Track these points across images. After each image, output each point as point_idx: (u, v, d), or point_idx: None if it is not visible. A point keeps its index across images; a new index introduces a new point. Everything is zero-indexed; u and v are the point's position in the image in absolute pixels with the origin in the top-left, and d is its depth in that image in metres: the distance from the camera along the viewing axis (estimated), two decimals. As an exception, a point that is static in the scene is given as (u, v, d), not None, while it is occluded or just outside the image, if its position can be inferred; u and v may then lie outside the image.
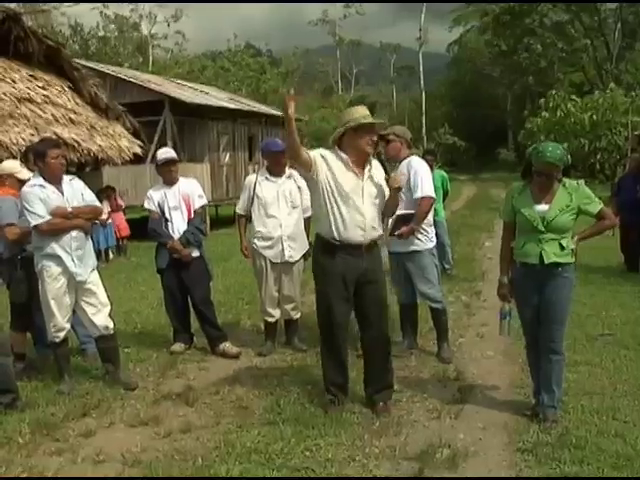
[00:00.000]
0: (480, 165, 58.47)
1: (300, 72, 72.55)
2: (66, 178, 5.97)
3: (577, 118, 28.38)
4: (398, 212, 6.20)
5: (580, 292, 7.92)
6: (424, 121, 61.88)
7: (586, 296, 9.11)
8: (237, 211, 7.44)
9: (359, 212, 5.19)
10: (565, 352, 5.23)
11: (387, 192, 5.33)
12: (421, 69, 65.53)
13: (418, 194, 6.42)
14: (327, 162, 5.19)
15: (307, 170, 5.17)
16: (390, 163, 6.67)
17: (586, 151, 28.90)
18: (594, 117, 28.00)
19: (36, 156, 5.89)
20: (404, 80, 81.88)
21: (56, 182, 5.85)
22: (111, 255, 16.26)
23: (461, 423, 5.11)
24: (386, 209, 5.46)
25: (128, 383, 6.09)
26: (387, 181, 5.32)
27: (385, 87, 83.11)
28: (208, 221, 20.68)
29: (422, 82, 65.10)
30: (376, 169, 5.38)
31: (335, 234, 5.19)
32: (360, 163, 5.25)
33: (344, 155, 5.23)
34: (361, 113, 5.23)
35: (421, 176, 6.44)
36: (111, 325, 6.14)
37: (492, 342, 6.92)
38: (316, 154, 5.20)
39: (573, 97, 30.64)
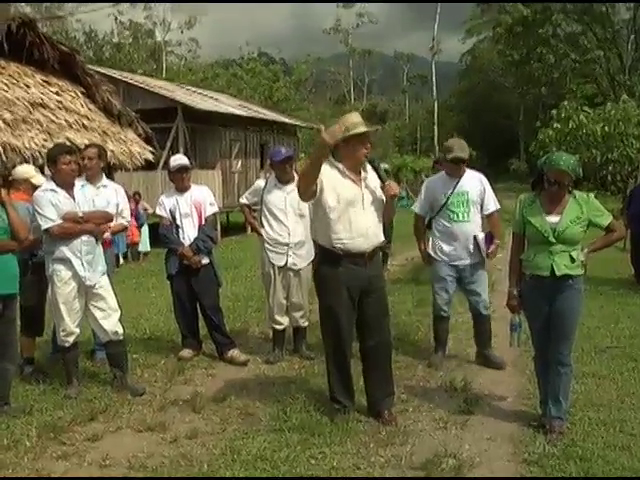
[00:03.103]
0: (492, 175, 58.07)
1: (312, 80, 72.61)
2: (78, 184, 6.03)
3: (589, 129, 28.25)
4: (478, 235, 6.62)
5: (589, 304, 7.88)
6: (436, 130, 61.86)
7: (595, 308, 9.10)
8: (241, 201, 7.60)
9: (361, 220, 5.18)
10: (573, 364, 5.22)
11: (383, 198, 5.31)
12: (434, 79, 65.56)
13: (491, 208, 6.74)
14: (325, 177, 5.13)
15: (309, 198, 5.21)
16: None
17: (598, 163, 28.74)
18: (606, 129, 27.84)
19: (48, 161, 5.94)
20: (416, 89, 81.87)
21: (68, 187, 5.90)
22: (122, 261, 16.33)
23: (467, 433, 5.11)
24: (384, 217, 5.44)
25: (135, 388, 6.11)
26: (382, 188, 5.28)
27: (398, 96, 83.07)
28: (219, 228, 20.73)
29: (435, 92, 65.14)
30: (370, 174, 5.33)
31: (339, 244, 5.16)
32: (355, 170, 5.23)
33: (340, 165, 5.21)
34: (351, 121, 5.13)
35: (490, 191, 6.71)
36: (120, 331, 6.17)
37: (500, 352, 6.90)
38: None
39: (585, 108, 30.51)
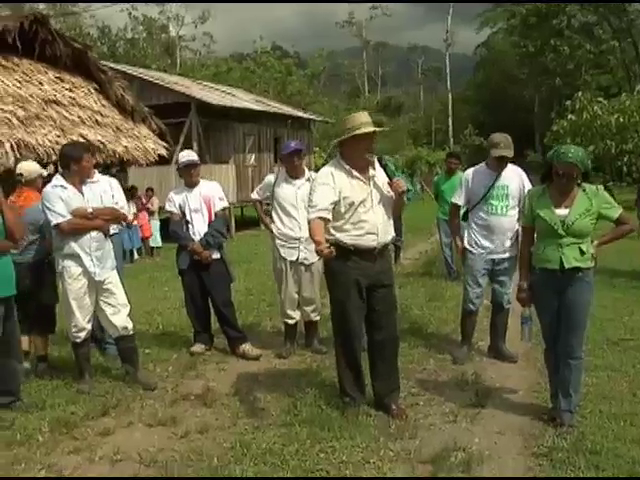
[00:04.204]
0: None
1: (326, 74, 72.48)
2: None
3: (604, 120, 28.09)
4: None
5: (602, 295, 7.86)
6: (451, 123, 61.70)
7: (608, 299, 9.05)
8: (252, 196, 7.67)
9: (370, 218, 5.20)
10: (584, 356, 5.20)
11: (392, 194, 5.33)
12: (448, 71, 65.34)
13: None
14: (334, 181, 5.16)
15: None
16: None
17: (613, 154, 28.55)
18: (621, 119, 27.68)
19: (72, 160, 5.93)
20: (431, 82, 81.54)
21: (81, 184, 5.97)
22: (136, 255, 16.40)
23: (477, 427, 5.11)
24: (393, 213, 5.47)
25: (147, 383, 6.15)
26: (390, 185, 5.30)
27: (412, 88, 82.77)
28: (233, 222, 20.76)
29: (449, 84, 64.94)
30: (378, 171, 5.37)
31: (349, 242, 5.18)
32: (363, 168, 5.25)
33: (346, 165, 5.23)
34: (359, 121, 5.18)
35: (529, 187, 6.52)
36: (130, 326, 6.20)
37: (511, 346, 6.88)
38: (325, 188, 5.16)
39: (600, 99, 30.35)
